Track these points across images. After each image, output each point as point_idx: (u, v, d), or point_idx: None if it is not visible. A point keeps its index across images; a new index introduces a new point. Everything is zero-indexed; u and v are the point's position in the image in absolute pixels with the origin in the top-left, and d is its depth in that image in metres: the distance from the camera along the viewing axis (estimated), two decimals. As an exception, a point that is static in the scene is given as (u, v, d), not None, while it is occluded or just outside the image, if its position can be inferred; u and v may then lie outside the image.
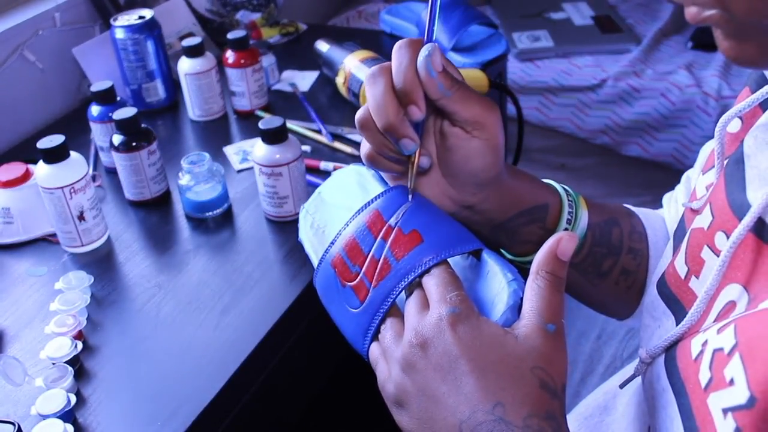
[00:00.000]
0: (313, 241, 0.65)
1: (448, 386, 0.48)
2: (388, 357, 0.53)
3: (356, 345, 0.58)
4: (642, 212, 0.74)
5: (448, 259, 0.54)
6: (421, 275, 0.54)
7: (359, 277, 0.57)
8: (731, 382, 0.42)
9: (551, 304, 0.49)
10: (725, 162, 0.55)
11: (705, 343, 0.47)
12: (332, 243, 0.60)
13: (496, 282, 0.54)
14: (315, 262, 0.63)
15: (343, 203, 0.65)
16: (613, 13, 2.13)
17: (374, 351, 0.55)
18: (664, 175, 1.87)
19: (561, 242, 0.50)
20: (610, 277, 0.70)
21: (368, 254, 0.57)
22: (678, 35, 2.05)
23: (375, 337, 0.55)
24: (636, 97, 1.84)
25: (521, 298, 0.51)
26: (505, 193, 0.61)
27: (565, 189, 0.67)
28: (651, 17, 2.13)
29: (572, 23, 2.08)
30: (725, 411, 0.42)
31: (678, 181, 0.75)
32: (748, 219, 0.47)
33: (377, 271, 0.56)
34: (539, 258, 0.50)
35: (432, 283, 0.52)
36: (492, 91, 1.25)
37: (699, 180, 0.62)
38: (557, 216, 0.65)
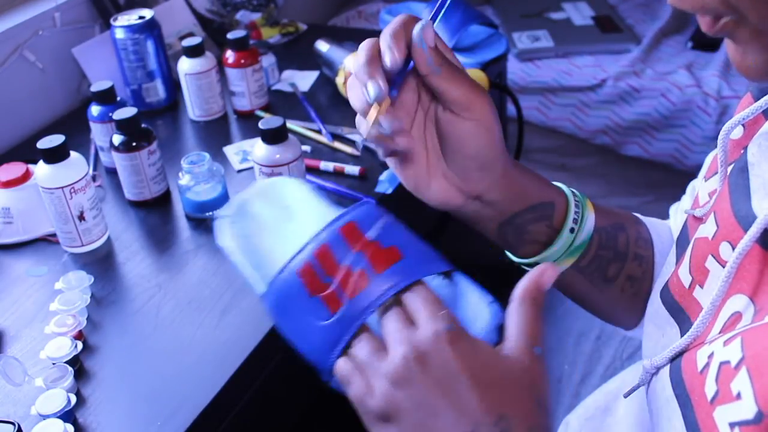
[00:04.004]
0: (243, 248, 0.63)
1: (448, 400, 0.48)
2: (368, 371, 0.52)
3: (319, 358, 0.56)
4: (649, 221, 0.75)
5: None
6: (400, 291, 0.53)
7: (332, 288, 0.55)
8: (738, 396, 0.42)
9: (536, 329, 0.51)
10: (729, 170, 0.55)
11: (711, 356, 0.46)
12: (300, 251, 0.58)
13: (472, 303, 0.56)
14: (248, 270, 0.61)
15: (268, 212, 0.64)
16: (613, 13, 2.13)
17: (344, 366, 0.54)
18: (664, 175, 1.87)
19: (545, 273, 0.52)
20: (616, 283, 0.70)
21: (344, 265, 0.56)
22: (678, 35, 2.05)
23: (343, 351, 0.54)
24: (636, 97, 1.84)
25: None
26: (511, 184, 0.62)
27: (572, 191, 0.67)
28: (651, 17, 2.13)
29: (572, 23, 2.08)
30: (732, 425, 0.42)
31: (678, 182, 0.75)
32: (754, 230, 0.47)
33: (354, 283, 0.55)
34: (525, 285, 0.52)
35: (418, 300, 0.53)
36: (492, 91, 1.25)
37: (701, 187, 0.61)
38: (564, 215, 0.66)
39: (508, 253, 0.69)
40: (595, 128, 1.88)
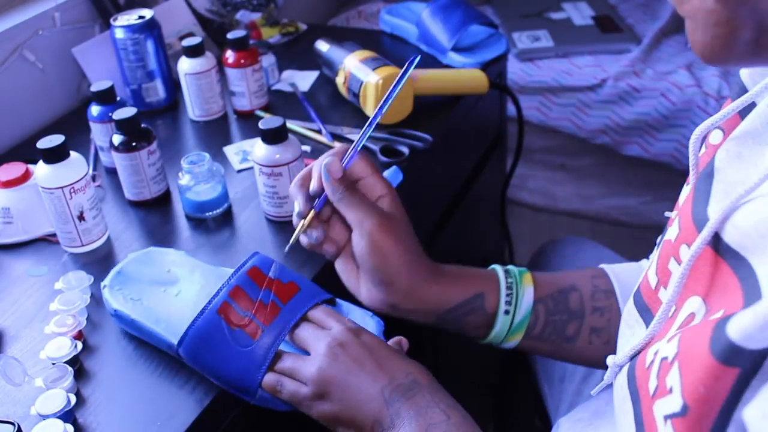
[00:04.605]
0: (134, 309, 0.78)
1: (366, 368, 0.64)
2: (296, 372, 0.67)
3: (246, 378, 0.69)
4: (617, 269, 0.78)
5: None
6: (304, 313, 0.71)
7: (250, 319, 0.70)
8: (670, 390, 0.44)
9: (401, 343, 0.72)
10: (699, 174, 0.56)
11: (657, 352, 0.48)
12: (216, 294, 0.71)
13: (358, 317, 0.75)
14: (147, 326, 0.76)
15: (151, 277, 0.81)
16: (613, 13, 2.13)
17: (273, 378, 0.68)
18: (664, 175, 1.87)
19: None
20: (580, 339, 0.75)
21: (257, 300, 0.71)
22: (678, 35, 2.04)
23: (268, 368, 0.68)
24: (636, 97, 1.84)
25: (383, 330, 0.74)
26: (426, 296, 0.73)
27: (506, 270, 0.75)
28: (651, 17, 2.13)
29: (572, 23, 2.08)
30: (666, 418, 0.44)
31: (678, 182, 0.75)
32: (705, 233, 0.48)
33: (268, 312, 0.70)
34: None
35: (323, 313, 0.70)
36: (492, 91, 1.25)
37: (683, 190, 0.63)
38: (496, 300, 0.74)
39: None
40: (595, 128, 1.88)
